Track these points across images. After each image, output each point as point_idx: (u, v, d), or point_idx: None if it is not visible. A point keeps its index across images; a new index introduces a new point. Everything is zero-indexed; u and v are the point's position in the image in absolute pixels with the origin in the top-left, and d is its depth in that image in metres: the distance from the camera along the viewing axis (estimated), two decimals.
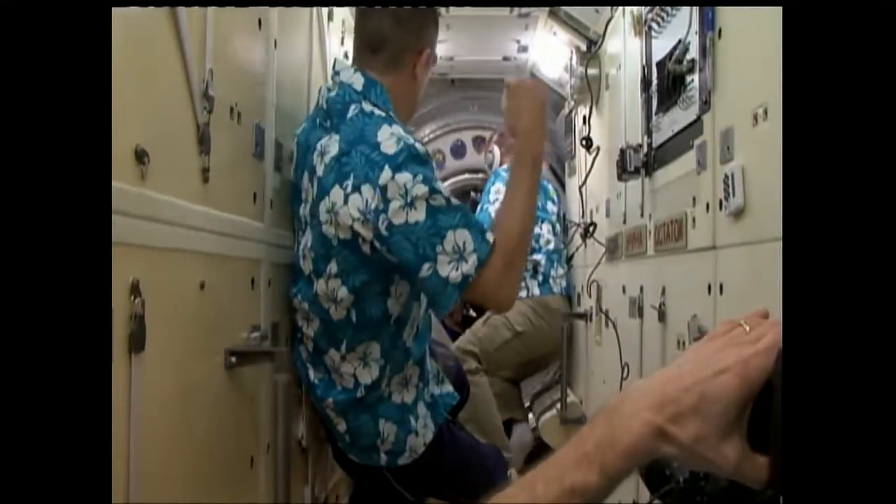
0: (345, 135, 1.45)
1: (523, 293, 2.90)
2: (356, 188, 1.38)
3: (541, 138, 1.51)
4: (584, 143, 2.50)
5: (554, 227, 3.05)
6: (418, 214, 1.36)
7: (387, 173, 1.36)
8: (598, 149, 2.45)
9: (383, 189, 1.36)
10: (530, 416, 3.23)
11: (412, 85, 1.60)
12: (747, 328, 0.56)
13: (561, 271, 3.01)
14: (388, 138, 1.40)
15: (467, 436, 1.85)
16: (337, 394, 1.54)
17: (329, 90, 1.54)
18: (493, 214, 2.81)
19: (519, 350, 2.91)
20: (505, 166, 3.03)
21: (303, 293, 1.52)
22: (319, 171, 1.46)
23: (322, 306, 1.49)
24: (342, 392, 1.54)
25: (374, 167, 1.37)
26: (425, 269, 1.37)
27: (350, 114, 1.48)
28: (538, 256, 2.94)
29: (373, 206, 1.36)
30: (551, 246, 2.99)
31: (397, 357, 1.55)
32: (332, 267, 1.45)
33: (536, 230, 2.92)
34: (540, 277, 2.94)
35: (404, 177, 1.36)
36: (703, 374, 0.53)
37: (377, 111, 1.48)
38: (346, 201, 1.39)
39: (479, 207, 3.01)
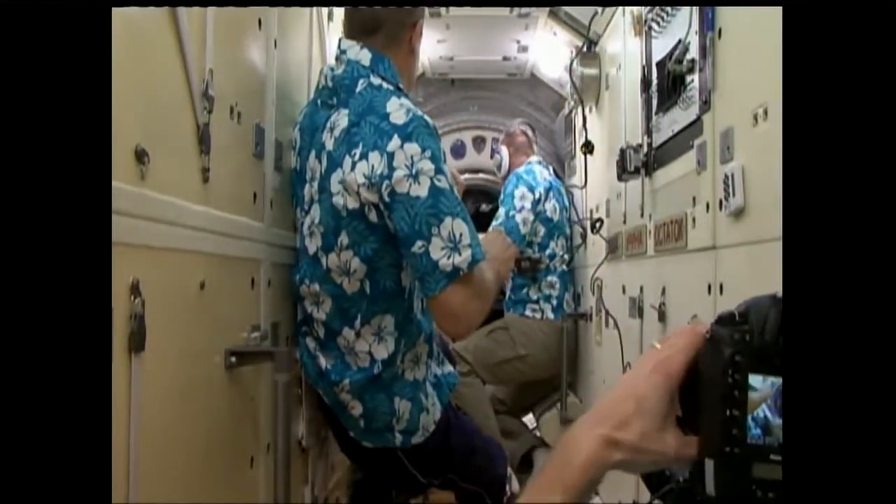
0: (354, 107, 1.47)
1: (538, 315, 2.88)
2: (364, 156, 1.40)
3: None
4: (583, 149, 2.50)
5: (568, 243, 2.94)
6: (420, 189, 1.37)
7: (395, 142, 1.38)
8: (592, 147, 2.46)
9: (390, 156, 1.37)
10: (530, 415, 3.22)
11: (410, 57, 1.63)
12: (658, 346, 0.64)
13: (572, 293, 2.96)
14: (398, 109, 1.42)
15: (469, 421, 1.86)
16: (353, 374, 1.53)
17: (333, 69, 1.56)
18: (521, 224, 2.77)
19: (522, 370, 2.88)
20: (522, 169, 2.95)
21: (311, 275, 1.52)
22: (329, 145, 1.47)
23: (335, 282, 1.49)
24: (358, 372, 1.53)
25: (382, 136, 1.39)
26: (417, 246, 1.38)
27: (359, 88, 1.50)
28: (552, 278, 2.88)
29: (378, 172, 1.38)
30: (564, 266, 2.92)
31: (410, 331, 1.56)
32: (343, 238, 1.45)
33: (550, 248, 2.89)
34: (554, 301, 2.89)
35: (413, 148, 1.38)
36: (632, 383, 0.61)
37: (385, 84, 1.50)
38: (353, 168, 1.41)
39: (503, 212, 2.79)
